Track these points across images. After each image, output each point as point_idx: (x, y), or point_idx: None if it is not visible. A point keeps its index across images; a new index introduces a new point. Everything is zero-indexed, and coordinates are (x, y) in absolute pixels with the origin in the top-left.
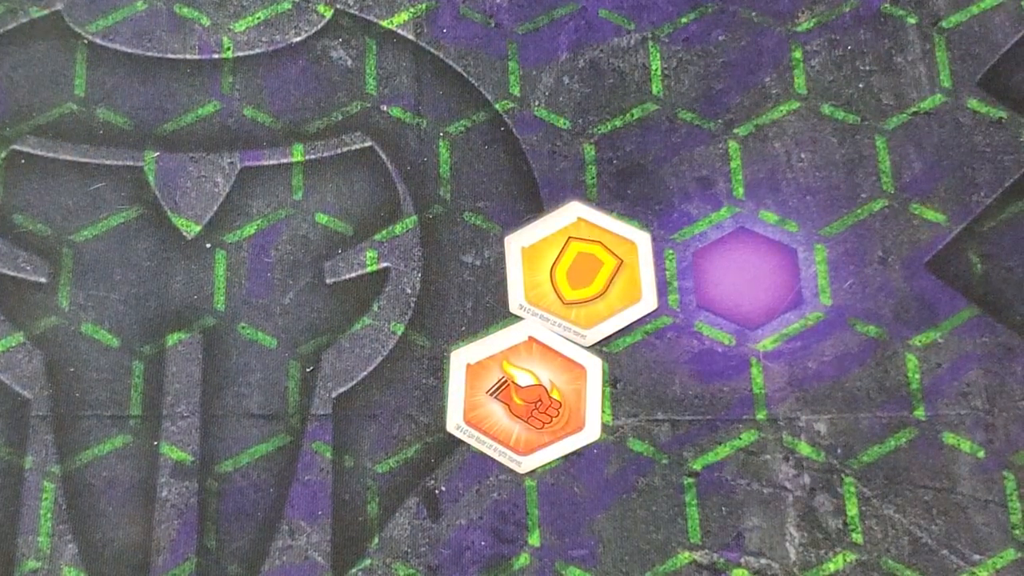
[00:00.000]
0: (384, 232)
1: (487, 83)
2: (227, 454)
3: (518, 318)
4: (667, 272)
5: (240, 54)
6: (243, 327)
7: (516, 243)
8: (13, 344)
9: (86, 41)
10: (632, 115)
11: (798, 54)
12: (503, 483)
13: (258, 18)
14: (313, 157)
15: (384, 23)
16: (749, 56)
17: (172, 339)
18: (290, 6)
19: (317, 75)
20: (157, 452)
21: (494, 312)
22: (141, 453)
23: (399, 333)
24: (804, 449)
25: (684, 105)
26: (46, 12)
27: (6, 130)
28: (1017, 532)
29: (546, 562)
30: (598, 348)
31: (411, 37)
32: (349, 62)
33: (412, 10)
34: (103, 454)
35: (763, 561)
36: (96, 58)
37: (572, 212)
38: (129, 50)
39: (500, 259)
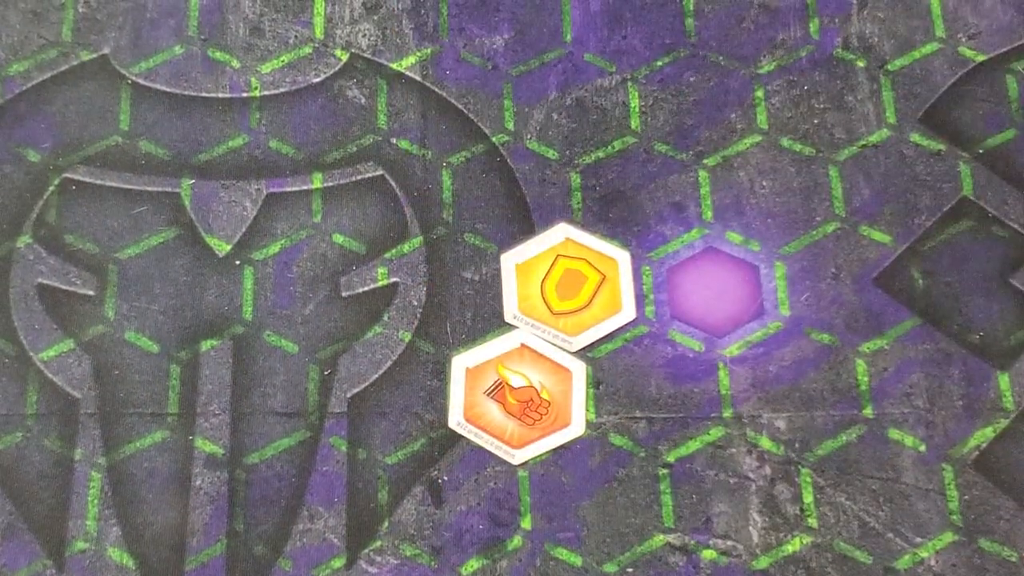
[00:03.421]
0: (394, 251)
1: (485, 119)
2: (254, 447)
3: (512, 327)
4: (644, 286)
5: (266, 93)
6: (268, 335)
7: (510, 260)
8: (64, 350)
9: (130, 81)
10: (613, 147)
11: (760, 93)
12: (499, 473)
13: (282, 61)
14: (331, 184)
15: (394, 65)
16: (717, 95)
17: (205, 345)
18: (311, 50)
19: (334, 112)
20: (192, 446)
21: (491, 321)
22: (178, 447)
23: (407, 340)
24: (765, 443)
25: (659, 138)
26: (94, 55)
27: (59, 160)
28: (954, 518)
29: (536, 543)
30: (583, 353)
31: (418, 78)
32: (363, 100)
33: (419, 54)
34: (144, 447)
35: (729, 543)
36: (139, 96)
37: (560, 233)
38: (168, 89)
39: (496, 275)
